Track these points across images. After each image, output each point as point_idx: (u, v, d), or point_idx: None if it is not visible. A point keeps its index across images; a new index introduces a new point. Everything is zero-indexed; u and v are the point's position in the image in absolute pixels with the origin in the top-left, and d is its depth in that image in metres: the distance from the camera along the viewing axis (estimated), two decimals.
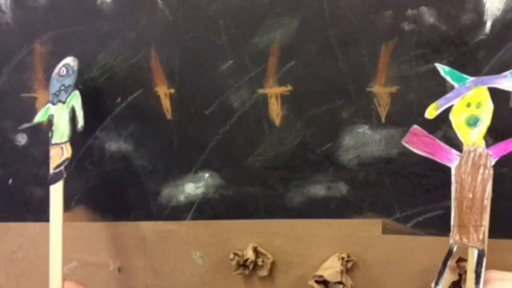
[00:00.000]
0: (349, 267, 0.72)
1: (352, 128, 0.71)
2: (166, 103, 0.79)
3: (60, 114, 0.75)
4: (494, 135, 0.65)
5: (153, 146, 0.80)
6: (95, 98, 0.81)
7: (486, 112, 0.59)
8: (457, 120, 0.61)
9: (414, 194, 0.70)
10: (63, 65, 0.76)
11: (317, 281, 0.71)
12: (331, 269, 0.70)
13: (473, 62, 0.65)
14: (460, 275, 0.66)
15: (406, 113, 0.68)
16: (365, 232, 0.72)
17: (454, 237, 0.61)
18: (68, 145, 0.74)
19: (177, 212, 0.81)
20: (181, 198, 0.80)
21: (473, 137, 0.60)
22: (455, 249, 0.61)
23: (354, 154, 0.71)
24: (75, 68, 0.75)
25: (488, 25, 0.64)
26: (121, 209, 0.84)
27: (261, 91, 0.74)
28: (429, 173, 0.68)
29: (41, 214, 0.86)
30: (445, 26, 0.65)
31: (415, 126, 0.62)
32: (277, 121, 0.74)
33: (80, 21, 0.80)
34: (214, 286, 0.81)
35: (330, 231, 0.74)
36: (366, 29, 0.68)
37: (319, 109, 0.72)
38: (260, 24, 0.73)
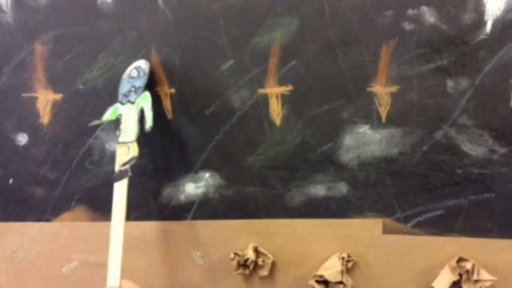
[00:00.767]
0: (349, 267, 0.72)
1: (353, 128, 0.71)
2: (166, 103, 0.79)
3: (128, 113, 0.76)
4: (494, 135, 0.65)
5: (153, 146, 0.80)
6: (96, 98, 0.81)
7: None
8: None
9: (415, 194, 0.70)
10: (134, 67, 0.77)
11: (317, 281, 0.71)
12: (331, 269, 0.70)
13: (473, 62, 0.65)
14: (460, 275, 0.66)
15: (407, 113, 0.68)
16: (366, 232, 0.72)
17: None
18: (135, 144, 0.74)
19: (177, 212, 0.81)
20: (182, 198, 0.80)
21: None
22: None
23: (355, 154, 0.71)
24: (146, 70, 0.76)
25: (489, 25, 0.64)
26: None
27: (261, 91, 0.74)
28: (429, 173, 0.68)
29: (41, 214, 0.86)
30: (445, 26, 0.65)
31: None
32: (277, 121, 0.74)
33: (81, 21, 0.80)
34: (214, 286, 0.80)
35: (331, 231, 0.74)
36: (367, 29, 0.68)
37: (319, 109, 0.72)
38: (260, 24, 0.73)
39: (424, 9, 0.66)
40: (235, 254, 0.77)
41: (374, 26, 0.68)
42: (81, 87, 0.80)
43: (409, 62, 0.67)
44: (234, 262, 0.76)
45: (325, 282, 0.70)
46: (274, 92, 0.73)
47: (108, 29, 0.79)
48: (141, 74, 0.76)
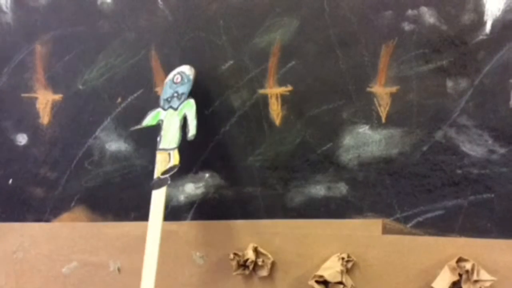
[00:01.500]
0: (349, 267, 0.72)
1: (352, 128, 0.71)
2: None
3: (170, 120, 0.74)
4: (493, 135, 0.65)
5: (153, 146, 0.80)
6: (95, 98, 0.81)
7: None
8: None
9: (414, 194, 0.70)
10: (178, 73, 0.75)
11: (317, 281, 0.71)
12: (331, 269, 0.70)
13: (473, 62, 0.65)
14: (460, 275, 0.66)
15: (406, 113, 0.68)
16: (365, 232, 0.72)
17: None
18: (176, 152, 0.72)
19: (177, 212, 0.81)
20: (181, 198, 0.80)
21: None
22: None
23: (354, 154, 0.71)
24: (191, 77, 0.74)
25: (488, 25, 0.64)
26: (121, 209, 0.84)
27: (261, 91, 0.74)
28: (429, 173, 0.68)
29: (41, 214, 0.86)
30: (445, 26, 0.65)
31: None
32: (277, 121, 0.74)
33: (81, 21, 0.80)
34: (214, 286, 0.80)
35: (330, 231, 0.74)
36: (366, 29, 0.68)
37: (319, 109, 0.72)
38: (260, 24, 0.73)
39: (424, 9, 0.66)
40: (235, 254, 0.77)
41: (374, 26, 0.68)
42: (81, 87, 0.80)
43: (408, 63, 0.67)
44: (234, 262, 0.76)
45: (325, 282, 0.70)
46: (274, 92, 0.73)
47: (108, 29, 0.79)
48: (185, 80, 0.74)
